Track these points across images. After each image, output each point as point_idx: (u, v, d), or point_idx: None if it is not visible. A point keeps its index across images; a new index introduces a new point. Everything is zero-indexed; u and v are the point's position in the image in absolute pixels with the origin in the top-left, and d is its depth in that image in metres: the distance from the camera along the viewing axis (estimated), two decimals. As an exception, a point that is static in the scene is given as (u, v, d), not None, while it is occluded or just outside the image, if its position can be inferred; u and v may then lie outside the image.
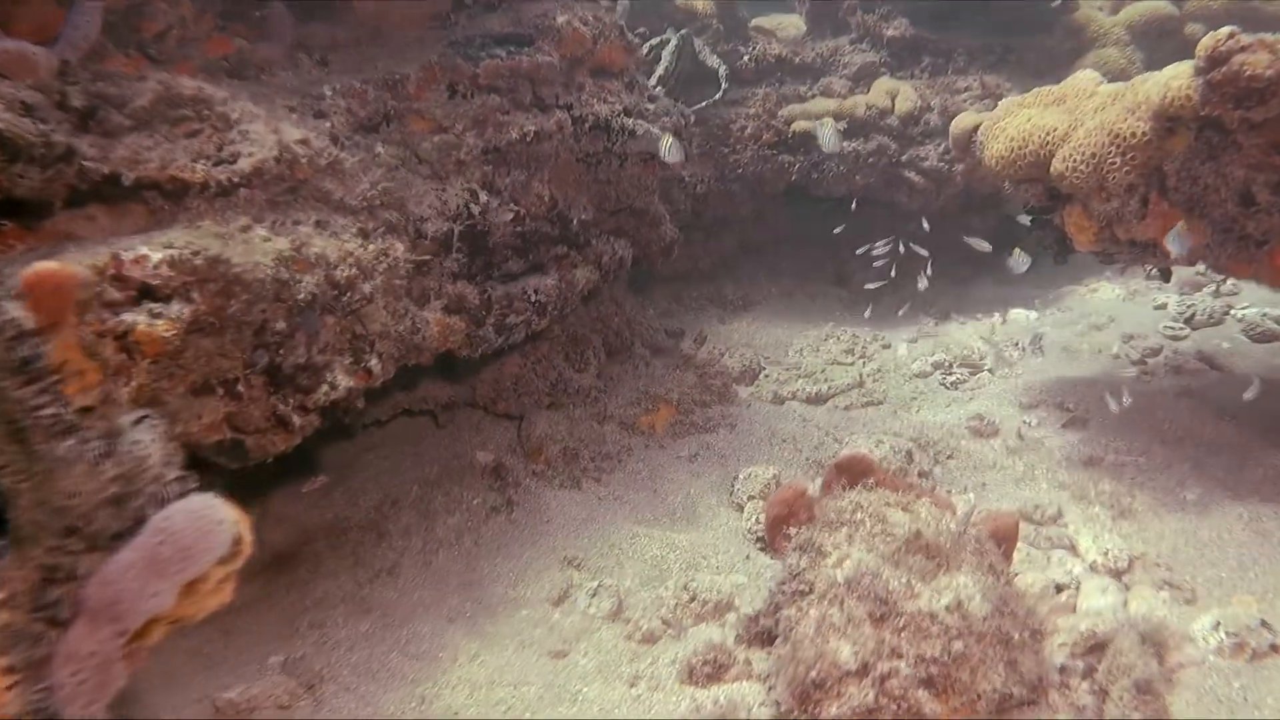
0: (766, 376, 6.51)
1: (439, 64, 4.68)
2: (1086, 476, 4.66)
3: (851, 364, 6.82)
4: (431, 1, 5.05)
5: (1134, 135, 3.75)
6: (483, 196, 4.66)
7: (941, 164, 7.23)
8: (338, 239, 3.89)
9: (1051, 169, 4.08)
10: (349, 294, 3.74)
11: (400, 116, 4.59)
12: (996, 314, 7.38)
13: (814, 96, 7.63)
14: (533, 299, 4.82)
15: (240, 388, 3.21)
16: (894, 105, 7.37)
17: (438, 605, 4.25)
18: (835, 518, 3.29)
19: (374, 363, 3.91)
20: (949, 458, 5.09)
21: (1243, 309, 6.32)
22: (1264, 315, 6.03)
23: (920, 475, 4.68)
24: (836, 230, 7.49)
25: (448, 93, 4.68)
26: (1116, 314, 6.80)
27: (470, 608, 4.23)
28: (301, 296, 3.27)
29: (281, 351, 3.27)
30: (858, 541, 3.15)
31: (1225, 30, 3.36)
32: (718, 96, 7.06)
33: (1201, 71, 3.47)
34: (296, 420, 3.41)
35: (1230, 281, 6.69)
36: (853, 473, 3.49)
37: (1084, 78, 4.34)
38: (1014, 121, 4.35)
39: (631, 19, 7.19)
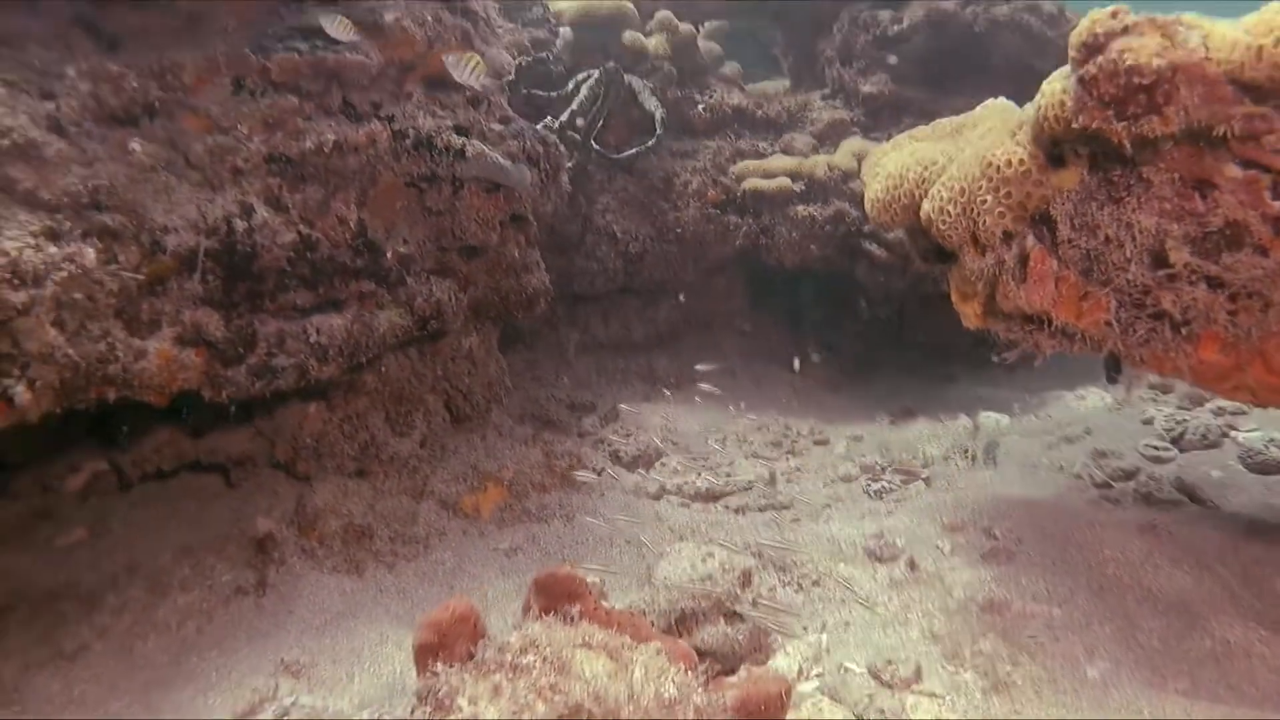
0: (663, 465, 5.52)
1: (224, 55, 3.95)
2: (972, 628, 3.55)
3: (773, 459, 5.80)
4: (260, -10, 4.34)
5: (1008, 164, 2.76)
6: (259, 212, 3.87)
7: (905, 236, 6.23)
8: (-3, 235, 3.12)
9: (922, 213, 3.10)
10: (-19, 300, 2.94)
11: (169, 111, 3.85)
12: (964, 416, 6.27)
13: (774, 154, 6.75)
14: (312, 339, 3.97)
15: None
16: (859, 168, 6.43)
17: (100, 707, 3.34)
18: (495, 658, 2.30)
19: (19, 390, 3.09)
20: (814, 584, 4.01)
21: (1248, 431, 5.12)
22: (1270, 442, 4.82)
23: (755, 603, 3.61)
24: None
25: (233, 88, 3.93)
26: (1096, 426, 5.64)
27: (136, 713, 3.31)
28: None
29: None
30: (504, 699, 2.16)
31: (1108, 8, 2.39)
32: (650, 143, 6.23)
33: (1076, 65, 2.49)
34: None
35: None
36: (552, 595, 2.51)
37: (992, 105, 3.37)
38: (896, 156, 3.39)
39: (576, 54, 6.48)
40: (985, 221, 2.82)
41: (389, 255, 4.20)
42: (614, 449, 5.60)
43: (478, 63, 4.03)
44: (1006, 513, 4.62)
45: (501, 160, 4.20)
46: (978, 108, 3.49)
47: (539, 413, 6.00)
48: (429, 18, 4.25)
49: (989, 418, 6.25)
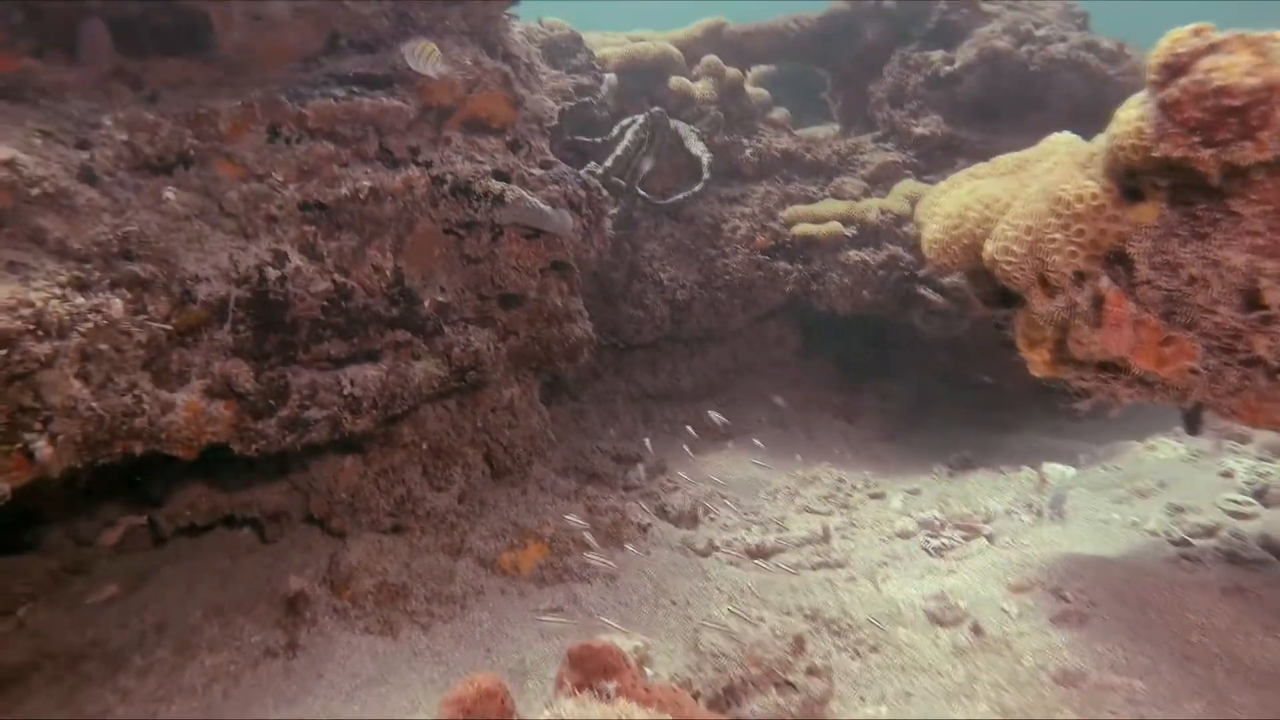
0: (711, 520, 5.31)
1: (260, 101, 3.89)
2: (1045, 701, 3.26)
3: (827, 514, 5.55)
4: (300, 34, 4.30)
5: (1079, 199, 2.56)
6: (292, 260, 3.78)
7: (965, 280, 6.00)
8: (24, 285, 3.05)
9: (984, 253, 2.89)
10: (4, 351, 2.85)
11: (204, 159, 3.79)
12: (1027, 468, 5.96)
13: (824, 198, 6.58)
14: (346, 391, 3.84)
15: None
16: (913, 211, 6.23)
17: (118, 779, 3.19)
18: (524, 738, 2.11)
19: (40, 445, 2.99)
20: (872, 650, 3.75)
21: (1341, 485, 4.77)
22: (1365, 495, 4.48)
23: (810, 673, 3.36)
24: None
25: (268, 135, 3.87)
26: (1171, 478, 5.31)
27: (154, 788, 3.15)
28: None
29: None
30: (531, 785, 1.97)
31: (1190, 26, 2.19)
32: (697, 188, 6.09)
33: (1156, 88, 2.29)
34: None
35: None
36: (587, 669, 2.32)
37: (1055, 139, 3.17)
38: (954, 194, 3.20)
39: (620, 100, 6.39)
40: (1055, 261, 2.60)
41: (426, 304, 4.08)
42: (661, 503, 5.40)
43: (433, 51, 3.95)
44: (1077, 572, 4.32)
45: (541, 205, 4.08)
46: (1041, 142, 3.29)
47: (584, 465, 5.83)
48: (468, 61, 4.17)
49: (1054, 469, 5.94)
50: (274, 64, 4.24)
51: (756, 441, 6.50)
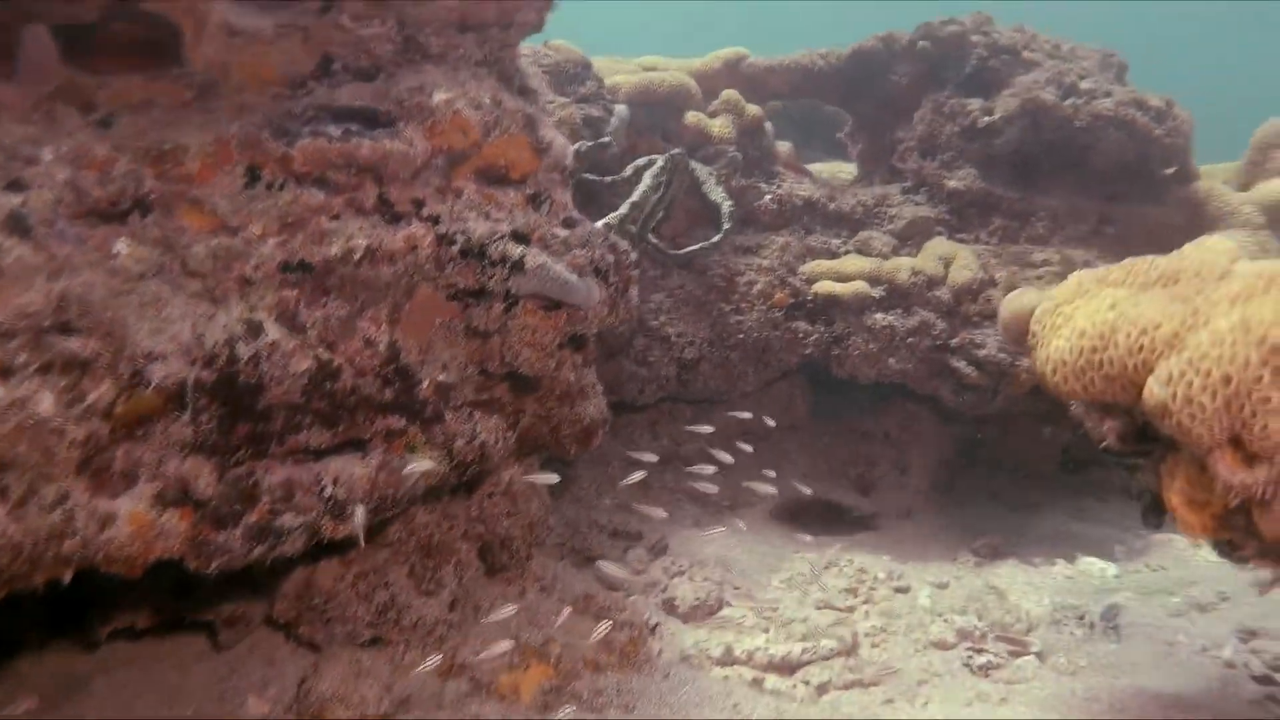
0: (725, 618, 4.72)
1: (238, 137, 3.23)
2: None
3: (851, 609, 4.99)
4: (287, 55, 3.63)
5: (1306, 352, 2.03)
6: (269, 332, 3.13)
7: (1003, 354, 5.50)
8: (-75, 375, 2.37)
9: (1146, 394, 2.35)
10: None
11: (166, 205, 3.13)
12: (1062, 562, 5.48)
13: (848, 252, 6.04)
14: (327, 492, 3.20)
15: None
16: (947, 274, 5.72)
17: None
18: None
19: (-65, 588, 2.32)
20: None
21: None
22: None
23: None
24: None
25: (245, 179, 3.21)
26: (1232, 590, 4.84)
27: None
28: None
29: None
30: None
31: None
32: (716, 239, 5.52)
33: None
34: None
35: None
36: None
37: (1213, 248, 2.64)
38: (1089, 308, 2.65)
39: (631, 133, 5.80)
40: (1265, 426, 2.07)
41: (425, 385, 3.45)
42: (668, 596, 4.82)
43: None
44: (1150, 712, 3.81)
45: (566, 275, 3.47)
46: (1188, 247, 2.76)
47: (581, 545, 5.23)
48: (487, 100, 3.54)
49: (1091, 564, 5.46)
50: (255, 88, 3.58)
51: (769, 515, 5.96)
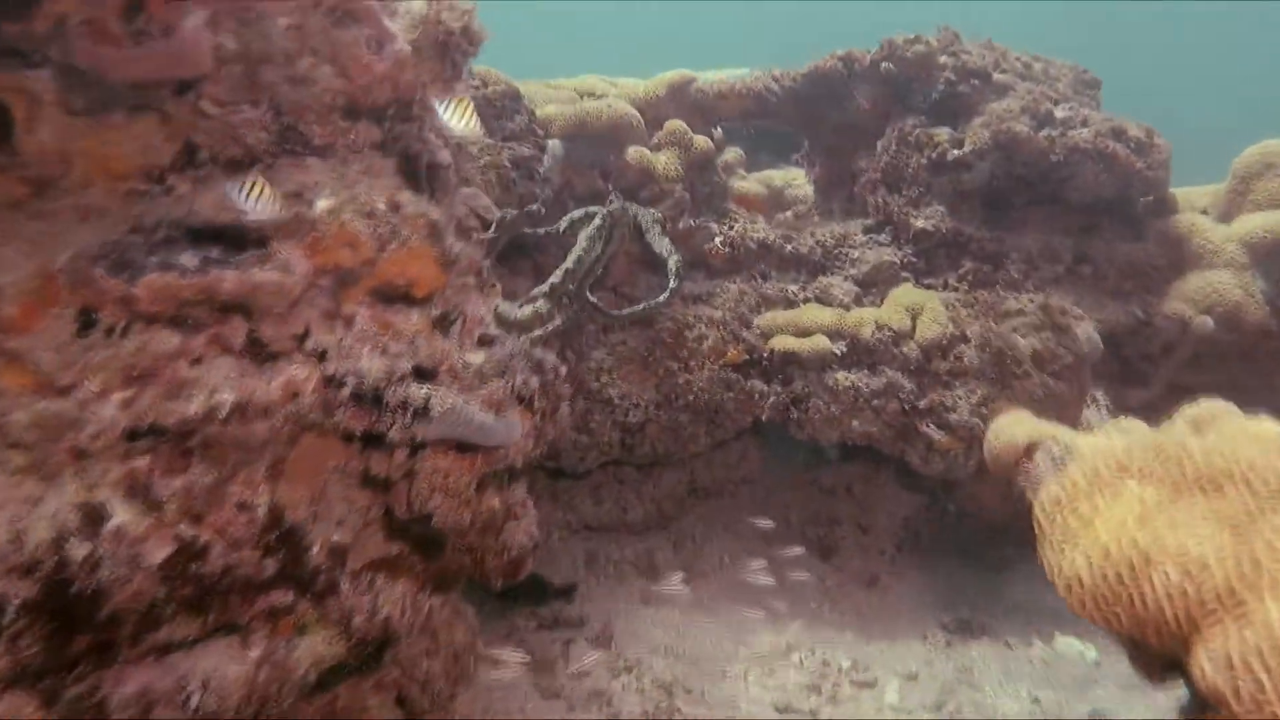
0: (678, 736, 4.27)
1: (66, 271, 2.62)
2: None
3: (813, 712, 4.57)
4: (141, 142, 2.99)
5: None
6: (116, 514, 2.55)
7: (975, 419, 5.06)
8: None
9: (1195, 670, 1.87)
10: None
11: (-22, 361, 2.52)
12: (1039, 643, 5.10)
13: (807, 300, 5.54)
14: (193, 701, 2.64)
15: None
16: (914, 328, 5.24)
17: None
18: None
19: None
20: None
21: None
22: None
23: None
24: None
25: (78, 325, 2.61)
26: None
27: None
28: None
29: None
30: None
31: None
32: (663, 298, 4.97)
33: None
34: None
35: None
36: None
37: (1263, 437, 2.17)
38: (1111, 515, 2.16)
39: (567, 172, 5.22)
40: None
41: (316, 549, 2.90)
42: (613, 710, 4.35)
43: (263, 188, 2.78)
44: None
45: (481, 417, 2.92)
46: (1227, 425, 2.29)
47: (517, 641, 4.74)
48: (381, 205, 2.95)
49: (1070, 646, 5.09)
50: (103, 183, 2.94)
51: (721, 587, 5.51)
